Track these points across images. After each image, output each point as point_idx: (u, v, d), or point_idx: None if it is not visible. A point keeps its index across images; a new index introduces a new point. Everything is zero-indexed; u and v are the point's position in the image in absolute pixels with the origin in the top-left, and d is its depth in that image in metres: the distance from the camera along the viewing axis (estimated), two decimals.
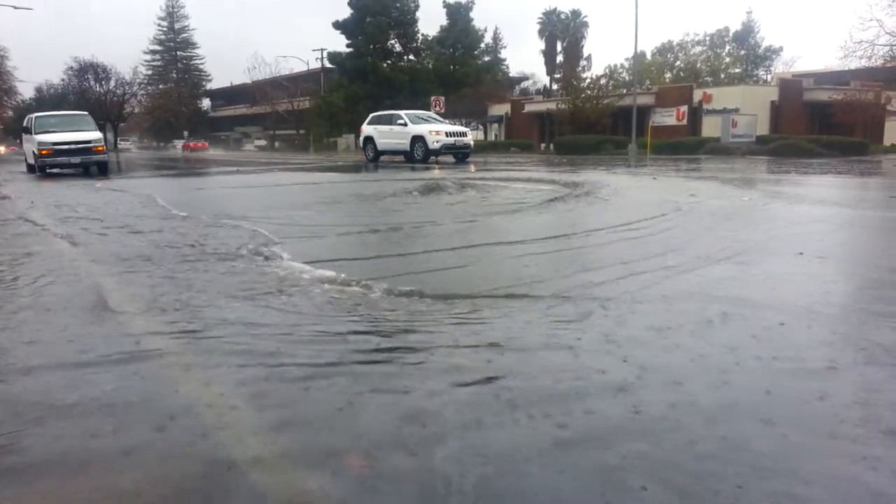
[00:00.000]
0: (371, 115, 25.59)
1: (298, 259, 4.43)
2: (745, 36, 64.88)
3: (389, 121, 23.72)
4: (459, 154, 22.61)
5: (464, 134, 23.06)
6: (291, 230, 6.04)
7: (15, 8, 36.95)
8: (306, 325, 2.93)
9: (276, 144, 69.83)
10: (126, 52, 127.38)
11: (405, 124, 22.69)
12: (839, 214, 7.16)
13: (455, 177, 13.79)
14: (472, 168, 17.98)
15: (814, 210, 7.41)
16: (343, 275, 3.89)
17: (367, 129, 24.73)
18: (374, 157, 24.18)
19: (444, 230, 6.14)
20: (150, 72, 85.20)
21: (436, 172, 15.98)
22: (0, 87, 54.69)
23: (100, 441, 1.88)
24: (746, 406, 2.06)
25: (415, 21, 60.60)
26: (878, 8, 51.02)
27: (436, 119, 24.78)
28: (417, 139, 21.99)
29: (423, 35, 61.68)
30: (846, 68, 35.75)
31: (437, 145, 21.58)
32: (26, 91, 72.25)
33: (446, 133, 22.15)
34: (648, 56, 68.67)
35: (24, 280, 4.03)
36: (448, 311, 3.14)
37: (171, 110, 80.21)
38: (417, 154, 21.93)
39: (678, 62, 67.96)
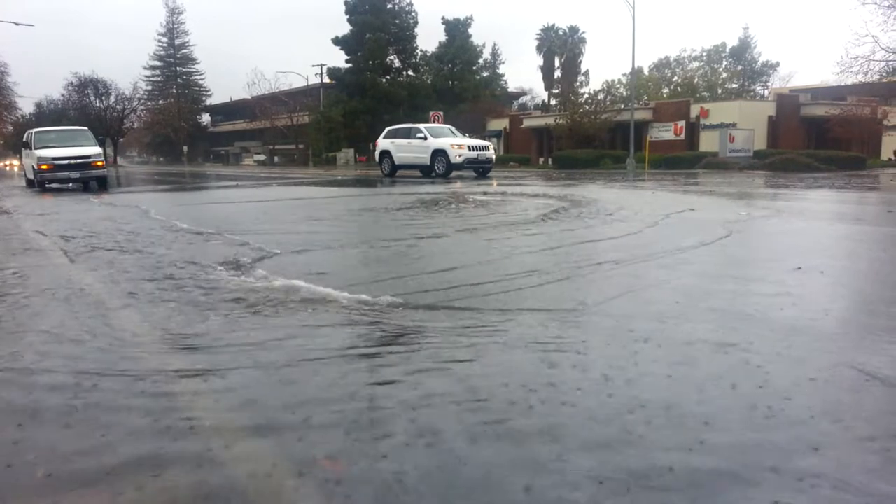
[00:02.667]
0: (387, 128, 24.89)
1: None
2: (742, 52, 65.36)
3: (407, 134, 22.98)
4: (481, 168, 21.88)
5: (486, 148, 22.35)
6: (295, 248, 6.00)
7: (17, 24, 37.28)
8: None
9: (276, 159, 70.08)
10: (126, 67, 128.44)
11: (425, 138, 21.95)
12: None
13: (484, 191, 13.79)
14: (495, 183, 17.61)
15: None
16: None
17: (383, 143, 23.89)
18: (392, 172, 23.46)
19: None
20: (150, 87, 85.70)
21: (457, 186, 15.94)
22: (0, 103, 54.92)
23: None
24: None
25: (414, 37, 61.09)
26: (873, 24, 51.64)
27: (455, 132, 24.11)
28: (439, 153, 21.30)
29: (421, 51, 62.23)
30: (843, 84, 36.03)
31: (459, 159, 20.92)
32: (26, 106, 72.61)
33: (469, 147, 21.55)
34: (646, 71, 69.06)
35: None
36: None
37: (171, 125, 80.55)
38: (438, 168, 21.27)
39: (675, 77, 68.35)
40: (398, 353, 2.69)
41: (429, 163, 21.64)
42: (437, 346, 2.75)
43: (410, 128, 23.63)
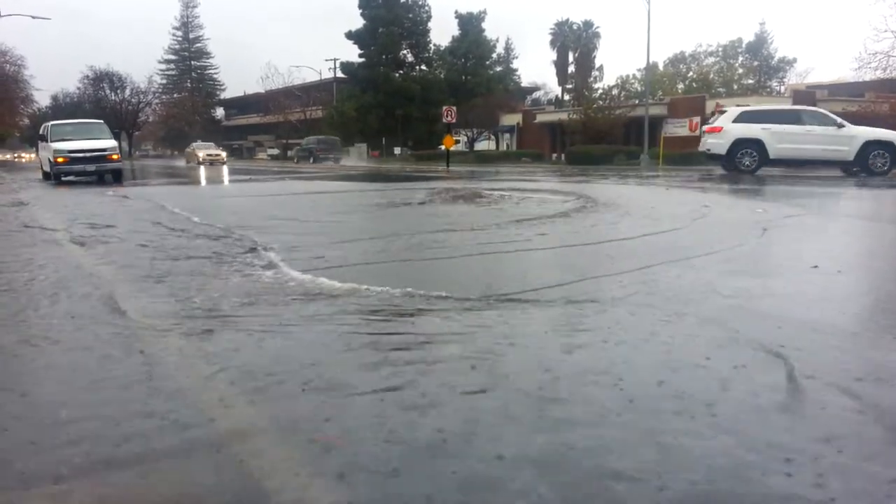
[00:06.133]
0: (738, 110, 19.44)
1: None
2: (758, 47, 64.71)
3: (797, 119, 18.11)
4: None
5: None
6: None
7: (33, 17, 37.65)
8: None
9: (289, 153, 70.29)
10: (141, 61, 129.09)
11: (841, 125, 17.51)
12: None
13: (511, 188, 13.71)
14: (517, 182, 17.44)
15: None
16: None
17: (742, 128, 18.19)
18: (757, 167, 18.13)
19: None
20: (164, 81, 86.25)
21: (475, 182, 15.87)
22: (17, 96, 55.46)
23: None
24: None
25: (427, 31, 60.98)
26: (893, 20, 51.00)
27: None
28: (873, 146, 17.30)
29: (435, 45, 62.08)
30: (861, 80, 35.62)
31: None
32: (42, 99, 73.25)
33: None
34: (661, 67, 68.58)
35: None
36: None
37: (185, 119, 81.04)
38: (878, 166, 17.23)
39: (690, 73, 67.80)
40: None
41: (851, 158, 17.43)
42: None
43: (800, 111, 19.18)
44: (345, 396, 2.15)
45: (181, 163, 47.07)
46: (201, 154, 42.90)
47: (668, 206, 9.59)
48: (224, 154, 46.15)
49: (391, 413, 2.00)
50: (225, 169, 31.68)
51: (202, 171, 29.26)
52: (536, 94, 73.90)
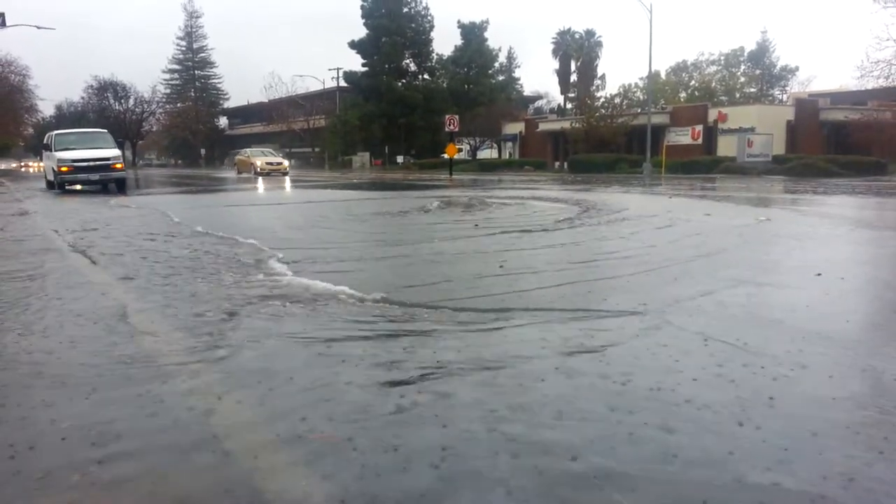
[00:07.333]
0: None
1: None
2: (761, 55, 64.71)
3: None
4: None
5: None
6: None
7: (38, 27, 37.70)
8: None
9: (292, 162, 70.44)
10: (145, 71, 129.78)
11: None
12: None
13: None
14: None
15: None
16: None
17: None
18: None
19: None
20: (168, 90, 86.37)
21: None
22: (21, 105, 55.63)
23: None
24: None
25: (430, 41, 61.13)
26: (895, 28, 50.95)
27: None
28: None
29: (437, 55, 62.20)
30: (863, 88, 35.61)
31: None
32: (47, 109, 73.42)
33: None
34: (663, 75, 68.57)
35: None
36: None
37: (189, 128, 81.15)
38: None
39: (693, 81, 67.79)
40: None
41: None
42: None
43: None
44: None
45: (228, 174, 40.04)
46: (259, 162, 34.73)
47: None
48: (286, 163, 36.76)
49: None
50: (288, 181, 26.86)
51: (261, 183, 23.71)
52: (539, 103, 73.93)
